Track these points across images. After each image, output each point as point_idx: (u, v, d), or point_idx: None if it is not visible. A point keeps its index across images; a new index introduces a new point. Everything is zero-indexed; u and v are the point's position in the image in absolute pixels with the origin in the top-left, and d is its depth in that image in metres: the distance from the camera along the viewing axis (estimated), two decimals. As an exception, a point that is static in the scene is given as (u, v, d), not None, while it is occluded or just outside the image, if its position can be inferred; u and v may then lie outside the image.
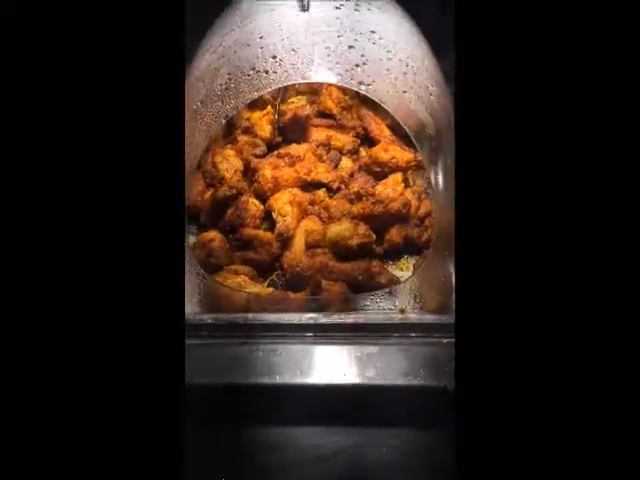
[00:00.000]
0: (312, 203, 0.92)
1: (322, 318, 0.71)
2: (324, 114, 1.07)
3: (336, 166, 1.00)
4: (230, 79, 0.71)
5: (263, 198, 0.91)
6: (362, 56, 0.70)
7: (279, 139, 1.03)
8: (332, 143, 1.02)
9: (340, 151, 1.02)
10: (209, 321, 0.71)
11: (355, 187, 0.93)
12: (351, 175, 0.97)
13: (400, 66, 0.73)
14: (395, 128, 1.02)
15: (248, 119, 1.03)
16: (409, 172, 0.97)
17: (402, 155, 0.95)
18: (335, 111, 1.06)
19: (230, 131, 1.04)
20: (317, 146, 1.00)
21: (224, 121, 0.68)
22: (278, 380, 0.67)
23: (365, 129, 1.04)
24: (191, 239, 0.91)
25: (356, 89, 0.67)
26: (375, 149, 0.97)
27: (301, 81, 0.69)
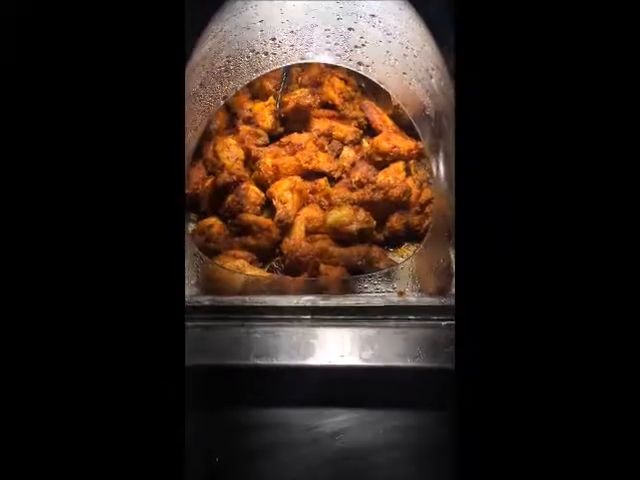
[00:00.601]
0: (313, 192, 0.92)
1: (320, 300, 0.71)
2: (326, 105, 1.07)
3: (338, 156, 1.00)
4: (229, 61, 0.71)
5: (264, 186, 0.91)
6: (361, 38, 0.70)
7: (281, 129, 1.04)
8: (334, 133, 1.02)
9: (342, 141, 1.02)
10: (207, 303, 0.71)
11: (357, 176, 0.93)
12: (353, 165, 0.97)
13: (400, 49, 0.73)
14: (397, 118, 1.02)
15: (250, 109, 1.03)
16: (411, 162, 0.97)
17: (404, 144, 0.95)
18: (337, 102, 1.06)
19: (232, 121, 1.04)
20: (319, 136, 1.00)
21: (222, 102, 0.68)
22: (276, 362, 0.67)
23: (367, 119, 1.04)
24: (191, 227, 0.91)
25: (355, 69, 0.67)
26: (377, 139, 0.97)
27: (299, 61, 0.69)
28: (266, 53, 0.69)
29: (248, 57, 0.70)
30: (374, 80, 0.68)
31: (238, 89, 0.68)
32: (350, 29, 0.71)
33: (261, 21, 0.74)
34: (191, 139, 0.72)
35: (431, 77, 0.75)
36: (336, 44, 0.69)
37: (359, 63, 0.68)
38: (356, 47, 0.70)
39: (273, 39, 0.70)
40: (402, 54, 0.73)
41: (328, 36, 0.70)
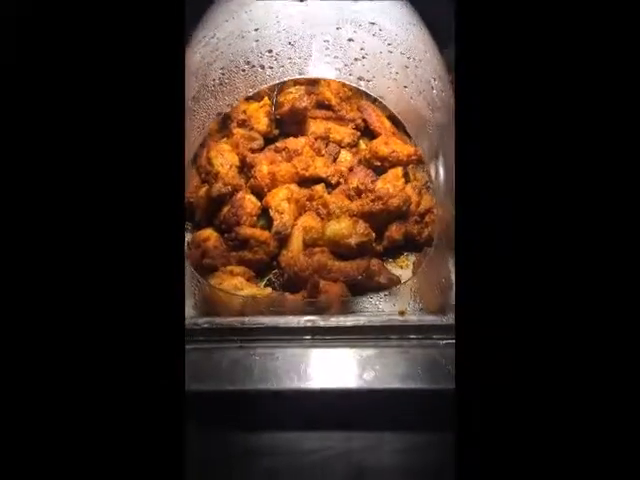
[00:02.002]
0: (310, 199, 0.90)
1: (320, 321, 0.70)
2: (323, 105, 1.04)
3: (335, 160, 0.98)
4: (224, 74, 0.68)
5: (259, 194, 0.89)
6: (361, 49, 0.67)
7: (276, 132, 1.01)
8: (331, 136, 1.00)
9: (339, 144, 0.99)
10: (205, 325, 0.70)
11: (354, 182, 0.91)
12: (350, 169, 0.95)
13: (401, 59, 0.70)
14: (396, 120, 1.00)
15: (244, 111, 1.00)
16: (410, 166, 0.95)
17: (403, 149, 0.93)
18: (334, 102, 1.03)
19: (225, 124, 1.01)
20: (315, 139, 0.98)
21: (218, 118, 0.65)
22: (275, 385, 0.66)
23: (365, 121, 1.02)
24: (186, 236, 0.89)
25: (355, 85, 0.64)
26: (375, 143, 0.95)
27: (298, 76, 0.66)
28: (262, 66, 0.66)
29: (243, 70, 0.67)
30: (375, 96, 0.65)
31: (234, 105, 0.65)
32: (350, 40, 0.68)
33: (256, 29, 0.71)
34: (187, 157, 0.69)
35: (433, 89, 0.72)
36: (335, 57, 0.66)
37: (359, 78, 0.65)
38: (356, 60, 0.67)
39: (270, 51, 0.67)
40: (403, 65, 0.70)
41: (327, 48, 0.67)
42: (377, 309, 0.72)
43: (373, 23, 0.71)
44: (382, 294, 0.72)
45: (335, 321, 0.70)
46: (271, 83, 0.65)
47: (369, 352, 0.68)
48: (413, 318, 0.70)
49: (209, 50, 0.73)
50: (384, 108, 1.01)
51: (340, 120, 1.02)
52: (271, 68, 0.66)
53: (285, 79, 0.67)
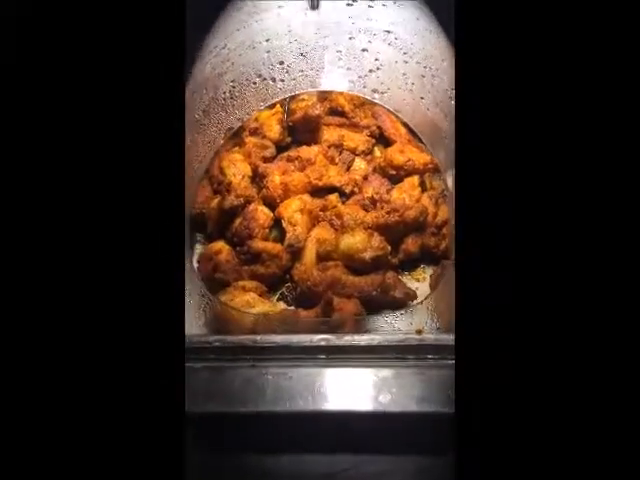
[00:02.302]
0: (324, 209, 0.88)
1: (334, 339, 0.68)
2: (336, 112, 1.01)
3: (349, 168, 0.96)
4: (234, 87, 0.66)
5: (272, 205, 0.87)
6: (376, 60, 0.65)
7: (289, 139, 0.99)
8: (345, 143, 0.97)
9: (353, 152, 0.97)
10: (216, 343, 0.68)
11: (369, 192, 0.89)
12: (365, 178, 0.93)
13: (417, 69, 0.68)
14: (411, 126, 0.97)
15: (256, 119, 0.98)
16: (426, 174, 0.92)
17: (419, 157, 0.90)
18: (347, 109, 1.00)
19: (237, 132, 0.99)
20: (329, 147, 0.95)
21: (229, 134, 0.64)
22: (288, 406, 0.64)
23: (379, 128, 0.99)
24: (197, 248, 0.88)
25: (369, 98, 0.62)
26: (390, 151, 0.92)
27: (310, 90, 0.64)
28: (274, 79, 0.65)
29: (255, 83, 0.65)
30: (390, 110, 0.63)
31: (244, 120, 0.63)
32: (364, 50, 0.66)
33: (267, 40, 0.69)
34: (196, 170, 0.68)
35: (450, 98, 0.69)
36: (349, 68, 0.64)
37: (374, 90, 0.63)
38: (371, 71, 0.65)
39: (281, 63, 0.65)
40: (419, 75, 0.68)
41: (340, 59, 0.65)
42: (393, 327, 0.69)
43: (388, 31, 0.69)
44: (398, 313, 0.70)
45: (350, 340, 0.68)
46: (282, 97, 0.63)
47: (385, 373, 0.66)
48: (430, 337, 0.68)
49: (220, 61, 0.72)
50: (396, 116, 0.98)
51: (354, 127, 0.99)
52: (282, 81, 0.64)
53: (297, 92, 0.65)
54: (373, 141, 0.99)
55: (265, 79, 0.64)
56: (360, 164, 0.96)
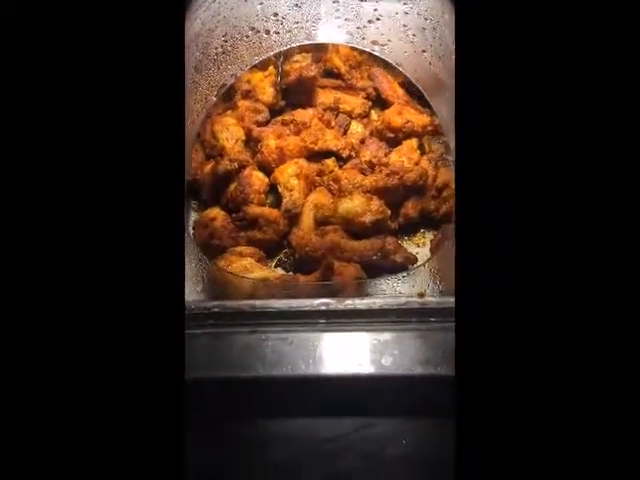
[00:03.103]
0: (320, 174, 0.85)
1: (335, 304, 0.66)
2: (331, 73, 0.98)
3: (345, 132, 0.93)
4: (226, 41, 0.63)
5: (267, 170, 0.85)
6: (375, 10, 0.62)
7: (282, 103, 0.95)
8: (340, 106, 0.94)
9: (349, 115, 0.94)
10: (215, 309, 0.66)
11: (367, 155, 0.86)
12: (362, 141, 0.90)
13: (418, 21, 0.65)
14: (409, 87, 0.94)
15: (248, 81, 0.94)
16: (425, 137, 0.90)
17: (417, 119, 0.87)
18: (343, 70, 0.97)
19: (229, 95, 0.95)
20: (324, 110, 0.92)
21: (222, 91, 0.60)
22: (289, 371, 0.63)
23: (376, 89, 0.96)
24: (192, 215, 0.86)
25: (369, 50, 0.59)
26: (388, 113, 0.89)
27: (306, 42, 0.61)
28: (267, 32, 0.61)
29: (247, 36, 0.62)
30: (391, 62, 0.60)
31: (238, 75, 0.60)
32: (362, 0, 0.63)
33: (260, -9, 0.65)
34: (189, 131, 0.65)
35: (452, 53, 0.66)
36: (347, 19, 0.61)
37: (374, 42, 0.60)
38: (369, 22, 0.62)
39: (275, 15, 0.62)
40: (421, 27, 0.65)
41: (337, 9, 0.62)
42: (394, 291, 0.68)
43: (388, -20, 0.65)
44: (400, 276, 0.68)
45: (350, 304, 0.66)
46: (277, 50, 0.60)
47: (386, 336, 0.65)
48: (432, 300, 0.67)
49: (210, 15, 0.68)
50: (397, 75, 0.95)
51: (350, 89, 0.96)
52: (277, 33, 0.61)
53: (292, 45, 0.61)
54: (370, 103, 0.95)
55: (259, 32, 0.61)
56: (357, 127, 0.93)
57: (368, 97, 0.96)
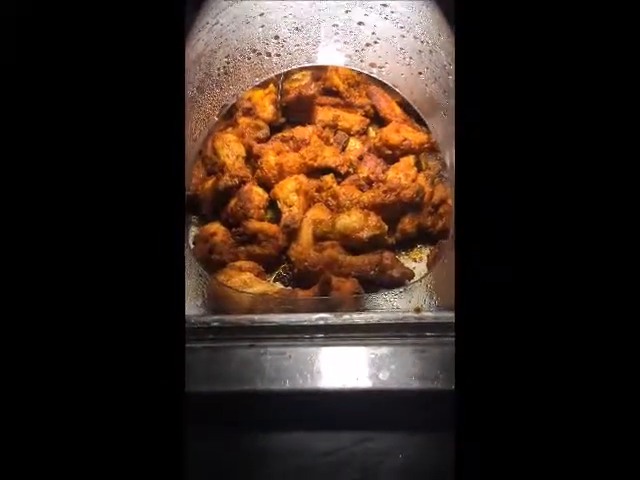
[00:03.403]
0: (319, 190, 0.87)
1: (333, 318, 0.67)
2: (330, 91, 1.00)
3: (344, 149, 0.95)
4: (229, 62, 0.64)
5: (267, 185, 0.86)
6: (373, 34, 0.64)
7: (282, 120, 0.98)
8: (339, 124, 0.96)
9: (348, 132, 0.96)
10: (215, 324, 0.67)
11: (365, 172, 0.88)
12: (360, 158, 0.92)
13: (414, 44, 0.67)
14: (406, 106, 0.96)
15: (249, 99, 0.97)
16: (422, 154, 0.92)
17: (414, 137, 0.89)
18: (342, 88, 0.99)
19: (230, 112, 0.97)
20: (323, 127, 0.94)
21: (224, 111, 0.62)
22: (287, 385, 0.64)
23: (374, 107, 0.98)
24: (193, 230, 0.87)
25: (367, 72, 0.61)
26: (385, 130, 0.92)
27: (307, 64, 0.62)
28: (269, 54, 0.63)
29: (249, 58, 0.64)
30: (388, 84, 0.62)
31: (240, 96, 0.62)
32: (360, 23, 0.65)
33: (261, 14, 0.67)
34: (190, 149, 0.66)
35: (448, 74, 0.68)
36: (345, 42, 0.63)
37: (371, 65, 0.62)
38: (368, 45, 0.64)
39: (276, 37, 0.64)
40: (417, 50, 0.67)
41: (337, 33, 0.63)
42: (392, 306, 0.69)
43: (385, 5, 0.67)
44: (397, 291, 0.69)
45: (348, 318, 0.67)
46: (278, 72, 0.62)
47: (384, 351, 0.66)
48: (429, 315, 0.68)
49: (213, 37, 0.70)
50: (394, 93, 0.97)
51: (349, 107, 0.98)
52: (278, 55, 0.63)
53: (293, 67, 0.63)
54: (368, 121, 0.98)
55: (260, 54, 0.63)
56: (355, 144, 0.95)
57: (366, 115, 0.98)
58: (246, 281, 0.73)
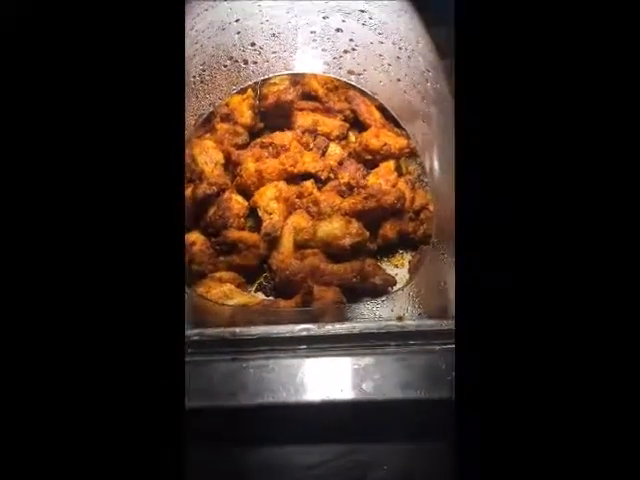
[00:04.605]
0: (300, 196, 0.86)
1: (316, 329, 0.67)
2: (309, 96, 0.99)
3: (324, 154, 0.94)
4: (204, 70, 0.63)
5: (247, 193, 0.85)
6: (351, 40, 0.63)
7: (261, 125, 0.96)
8: (319, 128, 0.95)
9: (328, 137, 0.95)
10: (195, 337, 0.66)
11: (345, 177, 0.87)
12: (340, 163, 0.91)
13: (393, 50, 0.66)
14: (385, 110, 0.96)
15: (227, 105, 0.95)
16: (402, 159, 0.91)
17: (394, 141, 0.89)
18: (321, 93, 0.98)
19: (208, 118, 0.96)
20: (302, 132, 0.93)
21: (200, 120, 0.61)
22: (271, 398, 0.63)
23: (354, 112, 0.97)
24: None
25: (346, 80, 0.60)
26: (365, 135, 0.91)
27: (284, 72, 0.61)
28: (245, 61, 0.62)
29: (225, 66, 0.62)
30: (367, 92, 0.61)
31: (216, 105, 0.60)
32: (338, 30, 0.64)
33: (237, 20, 0.66)
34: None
35: (427, 81, 0.68)
36: (324, 50, 0.62)
37: (350, 72, 0.61)
38: (346, 52, 0.63)
39: (252, 44, 0.62)
40: (395, 56, 0.66)
41: (314, 40, 0.62)
42: (374, 315, 0.69)
43: (363, 11, 0.67)
44: (379, 300, 0.69)
45: (331, 329, 0.66)
46: (255, 80, 0.61)
47: (367, 360, 0.65)
48: (411, 323, 0.68)
49: (188, 43, 0.68)
50: (373, 99, 0.97)
51: (328, 112, 0.97)
52: (255, 63, 0.61)
53: (270, 75, 0.62)
54: (347, 126, 0.97)
55: (237, 62, 0.61)
56: (335, 149, 0.94)
57: (346, 119, 0.97)
58: (227, 293, 0.71)
